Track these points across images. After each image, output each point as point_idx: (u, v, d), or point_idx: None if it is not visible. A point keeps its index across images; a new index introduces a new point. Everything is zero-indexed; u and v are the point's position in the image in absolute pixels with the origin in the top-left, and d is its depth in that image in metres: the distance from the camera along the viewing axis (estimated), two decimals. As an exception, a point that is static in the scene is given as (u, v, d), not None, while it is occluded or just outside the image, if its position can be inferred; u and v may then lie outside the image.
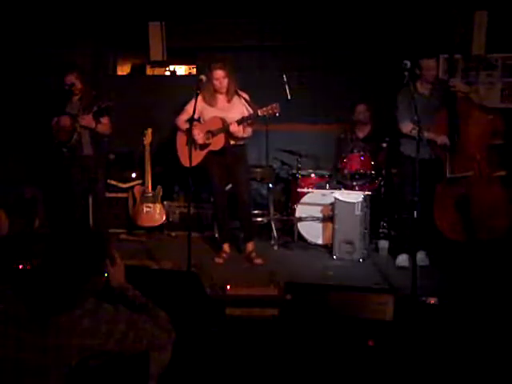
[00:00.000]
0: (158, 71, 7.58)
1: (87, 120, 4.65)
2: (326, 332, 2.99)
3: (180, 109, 4.74)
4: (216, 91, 4.48)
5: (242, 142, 4.59)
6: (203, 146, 4.53)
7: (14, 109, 5.93)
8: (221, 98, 4.51)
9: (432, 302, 3.37)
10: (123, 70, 7.33)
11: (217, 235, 5.18)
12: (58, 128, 4.71)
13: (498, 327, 3.09)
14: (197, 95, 4.16)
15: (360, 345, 2.87)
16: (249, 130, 4.54)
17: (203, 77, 4.18)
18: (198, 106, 4.40)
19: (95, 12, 6.08)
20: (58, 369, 1.67)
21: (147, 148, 5.56)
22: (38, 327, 1.68)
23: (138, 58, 7.24)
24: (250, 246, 4.75)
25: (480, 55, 5.77)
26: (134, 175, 5.84)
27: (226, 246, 4.84)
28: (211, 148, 4.51)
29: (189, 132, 4.29)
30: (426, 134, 4.02)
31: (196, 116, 4.49)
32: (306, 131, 6.07)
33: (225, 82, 4.42)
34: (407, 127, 4.25)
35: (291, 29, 6.07)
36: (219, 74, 4.39)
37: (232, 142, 4.52)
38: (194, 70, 7.17)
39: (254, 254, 4.70)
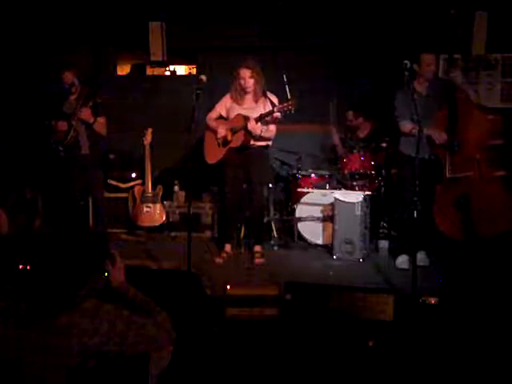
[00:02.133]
0: (157, 71, 7.57)
1: (85, 113, 4.63)
2: (325, 332, 2.99)
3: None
4: (243, 90, 4.50)
5: (264, 143, 4.58)
6: (225, 143, 4.57)
7: (13, 109, 5.93)
8: (248, 98, 4.54)
9: (432, 302, 3.37)
10: (123, 69, 7.33)
11: (217, 235, 5.18)
12: (56, 129, 4.71)
13: (498, 327, 3.09)
14: (197, 95, 4.10)
15: (360, 345, 2.87)
16: (271, 130, 4.53)
17: (203, 77, 4.18)
18: (226, 105, 4.60)
19: (95, 12, 6.08)
20: (57, 369, 1.67)
21: (147, 148, 5.55)
22: (38, 327, 1.68)
23: (138, 58, 7.23)
24: (258, 247, 4.76)
25: (480, 55, 5.77)
26: (134, 175, 5.84)
27: (227, 246, 4.83)
28: (232, 145, 4.54)
29: (188, 131, 4.27)
30: (425, 131, 4.00)
31: (224, 114, 4.62)
32: (306, 131, 6.07)
33: (250, 82, 4.44)
34: (407, 127, 4.25)
35: (291, 29, 6.06)
36: (245, 73, 4.42)
37: (252, 142, 4.51)
38: (194, 69, 7.17)
39: (258, 255, 4.72)
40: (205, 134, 4.77)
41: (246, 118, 4.41)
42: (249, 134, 4.45)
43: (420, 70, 4.26)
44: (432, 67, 4.29)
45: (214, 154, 4.65)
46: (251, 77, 4.43)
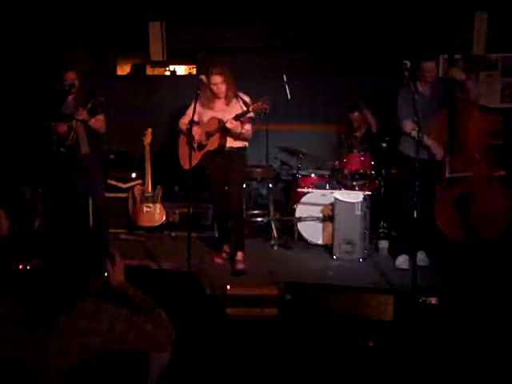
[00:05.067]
0: (157, 71, 7.58)
1: (81, 114, 4.61)
2: (325, 332, 2.99)
3: (180, 109, 4.74)
4: (215, 96, 4.40)
5: (240, 144, 4.48)
6: (201, 147, 4.47)
7: (14, 109, 5.93)
8: (219, 101, 4.44)
9: (432, 302, 3.37)
10: (123, 69, 7.33)
11: (217, 235, 5.17)
12: (55, 131, 4.70)
13: (498, 327, 3.09)
14: (197, 95, 4.13)
15: (360, 345, 2.87)
16: (247, 129, 4.44)
17: (203, 76, 4.18)
18: (197, 109, 4.35)
19: (95, 12, 6.08)
20: (58, 369, 1.67)
21: (147, 148, 5.55)
22: (38, 327, 1.68)
23: (138, 58, 7.25)
24: (239, 255, 4.55)
25: (480, 55, 5.77)
26: (133, 175, 5.84)
27: (226, 247, 4.78)
28: (208, 148, 4.45)
29: (189, 133, 4.23)
30: (425, 140, 4.03)
31: (196, 119, 4.43)
32: (306, 131, 6.07)
33: (223, 87, 4.34)
34: (408, 126, 4.24)
35: (291, 29, 6.07)
36: (217, 79, 4.31)
37: (229, 144, 4.42)
38: (194, 70, 7.18)
39: (239, 260, 4.50)
40: (179, 140, 4.63)
41: (221, 121, 4.31)
42: (224, 136, 4.35)
43: (421, 76, 4.25)
44: (432, 73, 4.26)
45: (191, 159, 4.37)
46: (223, 82, 4.32)
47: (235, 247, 4.64)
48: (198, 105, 4.36)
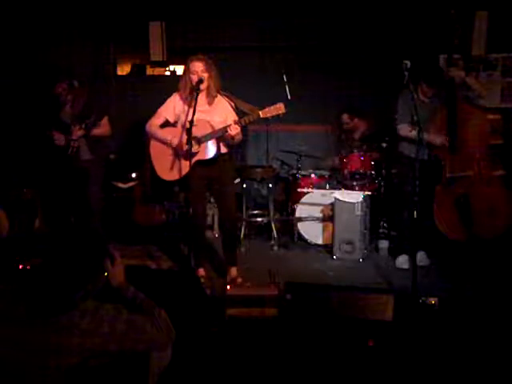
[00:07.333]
0: (157, 71, 7.58)
1: (79, 133, 4.47)
2: (325, 332, 2.99)
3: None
4: (193, 89, 3.78)
5: (227, 150, 3.98)
6: (190, 156, 3.67)
7: (14, 110, 5.93)
8: (201, 99, 3.81)
9: (432, 302, 3.38)
10: (123, 69, 7.33)
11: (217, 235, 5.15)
12: (54, 142, 4.64)
13: (498, 327, 3.09)
14: (197, 94, 3.75)
15: (360, 345, 2.87)
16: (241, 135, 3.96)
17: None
18: (175, 108, 3.90)
19: (95, 12, 6.09)
20: (58, 369, 1.67)
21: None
22: (38, 327, 1.68)
23: (138, 58, 7.24)
24: (233, 271, 4.14)
25: (480, 55, 5.77)
26: (134, 175, 5.84)
27: (201, 271, 4.17)
28: (199, 157, 3.83)
29: (188, 135, 3.58)
30: (425, 136, 4.03)
31: (171, 119, 3.94)
32: (306, 131, 6.07)
33: (204, 76, 3.77)
34: (404, 130, 4.26)
35: (291, 29, 6.07)
36: (197, 66, 3.75)
37: (224, 150, 3.95)
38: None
39: (239, 279, 4.09)
40: (150, 146, 4.07)
41: (213, 125, 3.79)
42: (218, 143, 3.85)
43: (421, 91, 4.27)
44: (428, 94, 4.29)
45: (174, 169, 3.92)
46: (204, 71, 3.75)
47: (229, 262, 4.19)
48: (176, 101, 3.90)
